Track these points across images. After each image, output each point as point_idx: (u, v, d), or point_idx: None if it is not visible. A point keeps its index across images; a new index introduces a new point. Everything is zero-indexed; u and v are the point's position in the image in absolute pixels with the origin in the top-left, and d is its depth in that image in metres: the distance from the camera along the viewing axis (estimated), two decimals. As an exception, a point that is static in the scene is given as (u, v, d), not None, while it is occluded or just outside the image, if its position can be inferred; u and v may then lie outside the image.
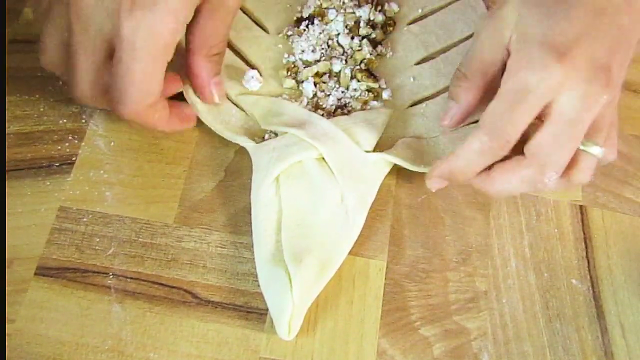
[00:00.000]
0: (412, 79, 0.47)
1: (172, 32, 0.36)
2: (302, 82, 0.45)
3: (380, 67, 0.48)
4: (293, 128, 0.42)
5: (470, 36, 0.48)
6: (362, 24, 0.48)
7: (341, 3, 0.48)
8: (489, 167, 0.39)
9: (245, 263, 0.40)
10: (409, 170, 0.43)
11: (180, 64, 0.41)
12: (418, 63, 0.48)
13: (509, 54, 0.38)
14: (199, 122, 0.43)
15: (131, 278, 0.39)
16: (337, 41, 0.47)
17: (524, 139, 0.37)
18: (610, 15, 0.36)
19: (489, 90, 0.40)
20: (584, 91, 0.35)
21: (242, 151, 0.43)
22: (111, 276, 0.39)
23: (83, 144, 0.43)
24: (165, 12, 0.35)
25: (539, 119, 0.37)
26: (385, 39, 0.49)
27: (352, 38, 0.47)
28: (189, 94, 0.42)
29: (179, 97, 0.42)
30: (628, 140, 0.47)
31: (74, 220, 0.40)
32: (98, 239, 0.40)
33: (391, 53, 0.48)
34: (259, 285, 0.39)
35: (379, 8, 0.49)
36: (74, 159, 0.42)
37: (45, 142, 0.43)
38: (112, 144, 0.43)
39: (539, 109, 0.36)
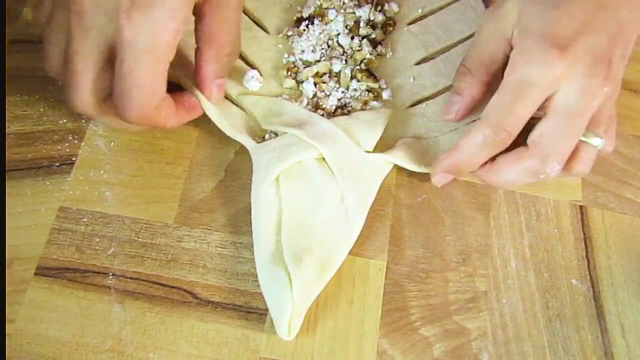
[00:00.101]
0: (412, 79, 0.47)
1: (172, 32, 0.35)
2: (302, 82, 0.45)
3: (380, 67, 0.48)
4: (293, 128, 0.42)
5: (471, 36, 0.48)
6: (362, 24, 0.48)
7: (341, 3, 0.48)
8: (492, 158, 0.40)
9: (245, 263, 0.40)
10: (409, 170, 0.43)
11: (180, 63, 0.41)
12: (418, 63, 0.48)
13: (511, 48, 0.38)
14: (199, 122, 0.43)
15: (131, 278, 0.39)
16: (337, 41, 0.47)
17: (527, 129, 0.38)
18: (609, 9, 0.36)
19: (492, 85, 0.41)
20: (585, 83, 0.36)
21: (242, 151, 0.43)
22: (111, 276, 0.39)
23: (83, 144, 0.43)
24: (164, 12, 0.35)
25: (541, 110, 0.37)
26: (385, 39, 0.49)
27: (352, 38, 0.47)
28: (194, 90, 0.42)
29: (179, 88, 0.42)
30: (628, 140, 0.47)
31: (74, 220, 0.40)
32: (98, 239, 0.40)
33: (391, 53, 0.48)
34: (259, 285, 0.39)
35: (379, 8, 0.49)
36: (74, 159, 0.42)
37: (45, 142, 0.43)
38: (112, 144, 0.43)
39: (540, 102, 0.37)
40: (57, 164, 0.42)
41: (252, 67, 0.46)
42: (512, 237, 0.43)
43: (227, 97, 0.44)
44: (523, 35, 0.37)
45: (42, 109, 0.44)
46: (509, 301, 0.41)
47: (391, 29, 0.49)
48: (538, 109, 0.37)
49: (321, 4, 0.48)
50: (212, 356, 0.37)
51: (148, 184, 0.42)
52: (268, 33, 0.48)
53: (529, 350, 0.40)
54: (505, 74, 0.38)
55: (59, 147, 0.43)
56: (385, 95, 0.46)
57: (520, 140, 0.39)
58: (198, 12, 0.38)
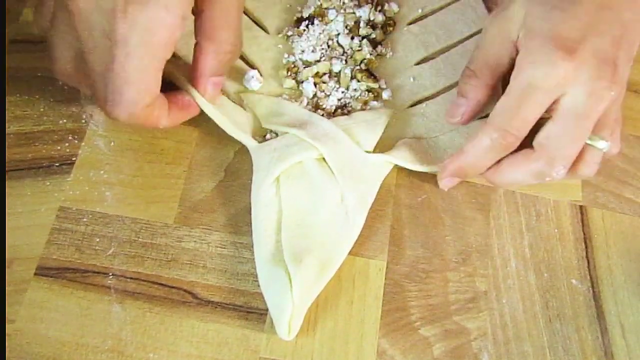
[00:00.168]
0: (412, 79, 0.47)
1: (168, 28, 0.34)
2: (302, 82, 0.45)
3: (380, 67, 0.48)
4: (294, 128, 0.42)
5: (471, 36, 0.48)
6: (362, 24, 0.48)
7: (341, 3, 0.48)
8: (498, 159, 0.40)
9: (245, 263, 0.40)
10: (409, 170, 0.43)
11: (177, 62, 0.41)
12: (418, 63, 0.48)
13: (517, 51, 0.38)
14: (199, 123, 0.43)
15: (131, 278, 0.39)
16: (337, 41, 0.47)
17: (533, 129, 0.38)
18: (613, 10, 0.36)
19: (498, 88, 0.41)
20: (591, 86, 0.36)
21: (242, 151, 0.43)
22: (111, 276, 0.39)
23: (83, 144, 0.43)
24: (160, 8, 0.34)
25: (547, 112, 0.37)
26: (385, 39, 0.49)
27: (352, 38, 0.47)
28: (190, 89, 0.41)
29: (173, 87, 0.41)
30: (628, 140, 0.47)
31: (74, 220, 0.40)
32: (98, 239, 0.40)
33: (391, 53, 0.48)
34: (259, 286, 0.39)
35: (379, 8, 0.49)
36: (74, 159, 0.42)
37: (45, 142, 0.43)
38: (112, 144, 0.43)
39: (548, 104, 0.37)
40: (57, 164, 0.42)
41: (252, 67, 0.46)
42: (512, 237, 0.43)
43: (228, 96, 0.44)
44: (529, 38, 0.37)
45: (42, 109, 0.44)
46: (509, 301, 0.41)
47: (391, 29, 0.49)
48: (544, 111, 0.38)
49: (321, 4, 0.48)
50: (212, 356, 0.37)
51: (148, 184, 0.42)
52: (268, 33, 0.48)
53: (529, 350, 0.40)
54: (511, 77, 0.38)
55: (59, 147, 0.43)
56: (385, 95, 0.46)
57: (526, 141, 0.39)
58: (199, 6, 0.37)
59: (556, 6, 0.37)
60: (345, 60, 0.47)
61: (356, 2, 0.49)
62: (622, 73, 0.37)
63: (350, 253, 0.40)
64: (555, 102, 0.37)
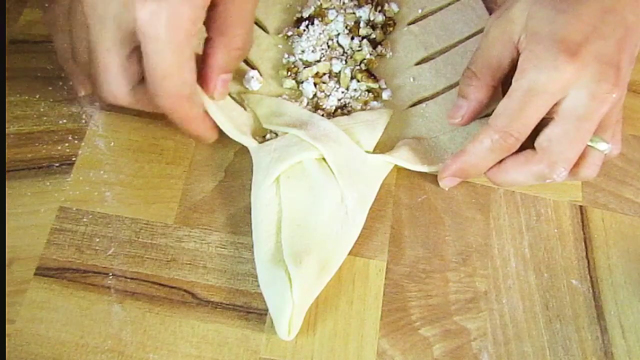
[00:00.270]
0: (412, 80, 0.47)
1: (189, 19, 0.34)
2: (302, 82, 0.45)
3: (380, 67, 0.48)
4: (294, 128, 0.42)
5: (471, 36, 0.48)
6: (362, 25, 0.48)
7: (341, 3, 0.48)
8: (500, 160, 0.40)
9: (245, 263, 0.40)
10: (409, 170, 0.43)
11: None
12: (418, 63, 0.48)
13: (519, 53, 0.38)
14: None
15: (131, 278, 0.39)
16: (337, 41, 0.47)
17: (535, 131, 0.38)
18: (617, 13, 0.36)
19: (498, 89, 0.41)
20: (594, 89, 0.36)
21: (241, 151, 0.43)
22: (111, 276, 0.39)
23: (83, 144, 0.43)
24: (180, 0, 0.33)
25: (549, 114, 0.37)
26: (385, 40, 0.49)
27: (352, 38, 0.47)
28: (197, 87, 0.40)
29: None
30: (628, 140, 0.47)
31: (74, 220, 0.40)
32: (98, 240, 0.40)
33: (391, 53, 0.48)
34: (259, 286, 0.39)
35: (379, 8, 0.49)
36: (73, 159, 0.42)
37: (45, 143, 0.43)
38: (112, 144, 0.43)
39: (549, 107, 0.37)
40: (57, 164, 0.42)
41: (252, 67, 0.46)
42: (512, 237, 0.43)
43: (229, 95, 0.44)
44: (532, 40, 0.37)
45: (42, 109, 0.44)
46: (509, 301, 0.41)
47: (391, 29, 0.49)
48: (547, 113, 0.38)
49: (321, 4, 0.48)
50: (212, 356, 0.37)
51: (148, 184, 0.42)
52: (268, 33, 0.48)
53: (529, 351, 0.40)
54: (514, 79, 0.38)
55: (59, 147, 0.43)
56: (385, 95, 0.46)
57: (528, 141, 0.39)
58: (213, 1, 0.37)
59: (560, 9, 0.37)
60: (345, 61, 0.47)
61: (356, 2, 0.49)
62: (625, 75, 0.37)
63: (350, 253, 0.40)
64: (557, 104, 0.37)
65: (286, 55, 0.47)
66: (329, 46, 0.47)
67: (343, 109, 0.45)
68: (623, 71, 0.37)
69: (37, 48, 0.46)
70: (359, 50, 0.47)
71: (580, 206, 0.45)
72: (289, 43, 0.48)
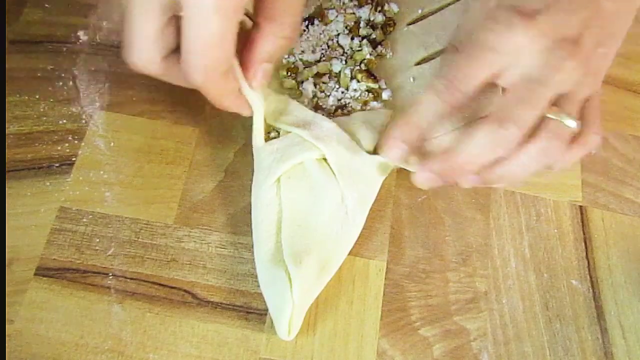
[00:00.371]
0: (412, 80, 0.47)
1: None
2: (302, 82, 0.45)
3: (380, 67, 0.48)
4: (298, 128, 0.42)
5: (470, 36, 0.48)
6: (362, 25, 0.48)
7: (341, 3, 0.48)
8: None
9: (245, 263, 0.40)
10: (409, 170, 0.43)
11: None
12: (418, 63, 0.48)
13: None
14: (199, 123, 0.43)
15: (131, 278, 0.39)
16: (337, 41, 0.47)
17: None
18: None
19: None
20: (547, 56, 0.35)
21: (242, 151, 0.43)
22: (111, 276, 0.39)
23: (83, 144, 0.43)
24: None
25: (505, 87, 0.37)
26: (385, 40, 0.49)
27: (352, 38, 0.47)
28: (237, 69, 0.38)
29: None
30: (628, 140, 0.47)
31: (74, 220, 0.40)
32: (98, 240, 0.40)
33: (391, 53, 0.48)
34: (259, 286, 0.39)
35: (379, 8, 0.49)
36: (73, 159, 0.42)
37: (45, 143, 0.43)
38: (112, 144, 0.43)
39: (497, 68, 0.36)
40: (57, 165, 0.42)
41: (252, 67, 0.46)
42: (512, 238, 0.43)
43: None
44: (497, 7, 0.37)
45: (42, 109, 0.44)
46: (509, 301, 0.41)
47: (391, 29, 0.49)
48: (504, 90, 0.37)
49: (321, 4, 0.48)
50: (212, 356, 0.37)
51: (148, 184, 0.42)
52: (268, 33, 0.48)
53: (529, 351, 0.40)
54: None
55: (59, 148, 0.43)
56: (385, 95, 0.46)
57: None
58: None
59: None
60: (345, 61, 0.47)
61: (356, 2, 0.49)
62: (588, 54, 0.36)
63: (350, 253, 0.40)
64: (509, 70, 0.36)
65: (286, 55, 0.47)
66: (328, 46, 0.47)
67: (343, 109, 0.45)
68: (585, 48, 0.36)
69: (37, 48, 0.46)
70: (359, 51, 0.47)
71: (580, 206, 0.45)
72: (289, 43, 0.48)
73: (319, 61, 0.46)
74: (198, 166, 0.43)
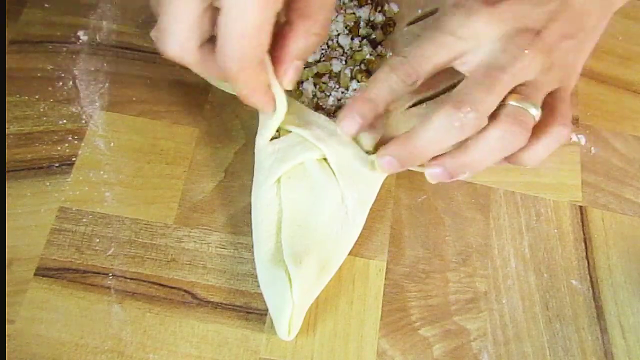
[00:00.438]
0: (412, 80, 0.47)
1: None
2: (302, 82, 0.45)
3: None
4: (298, 128, 0.42)
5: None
6: (362, 25, 0.48)
7: (341, 3, 0.48)
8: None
9: (245, 263, 0.40)
10: (409, 170, 0.43)
11: None
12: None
13: None
14: (199, 123, 0.43)
15: (131, 278, 0.39)
16: (337, 41, 0.47)
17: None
18: None
19: None
20: (506, 43, 0.36)
21: (242, 152, 0.43)
22: (111, 277, 0.39)
23: (83, 144, 0.43)
24: None
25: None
26: (385, 40, 0.49)
27: (352, 38, 0.47)
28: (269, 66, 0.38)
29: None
30: (628, 140, 0.47)
31: (74, 220, 0.40)
32: (98, 240, 0.40)
33: (391, 53, 0.48)
34: (259, 286, 0.39)
35: (379, 8, 0.49)
36: (73, 159, 0.42)
37: (45, 143, 0.43)
38: (112, 144, 0.43)
39: (455, 52, 0.36)
40: (57, 165, 0.42)
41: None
42: (512, 238, 0.43)
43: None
44: None
45: (42, 109, 0.44)
46: (509, 301, 0.41)
47: (391, 29, 0.49)
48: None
49: (321, 4, 0.48)
50: (212, 356, 0.37)
51: (148, 184, 0.42)
52: (268, 33, 0.48)
53: (529, 351, 0.40)
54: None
55: (59, 148, 0.43)
56: (385, 95, 0.46)
57: None
58: None
59: None
60: (345, 61, 0.47)
61: (356, 2, 0.49)
62: (550, 46, 0.36)
63: (350, 253, 0.40)
64: (468, 55, 0.36)
65: (286, 56, 0.47)
66: (328, 46, 0.47)
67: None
68: (548, 39, 0.36)
69: (37, 48, 0.46)
70: (359, 51, 0.47)
71: (580, 206, 0.45)
72: (289, 43, 0.47)
73: (318, 61, 0.46)
74: (198, 166, 0.43)
